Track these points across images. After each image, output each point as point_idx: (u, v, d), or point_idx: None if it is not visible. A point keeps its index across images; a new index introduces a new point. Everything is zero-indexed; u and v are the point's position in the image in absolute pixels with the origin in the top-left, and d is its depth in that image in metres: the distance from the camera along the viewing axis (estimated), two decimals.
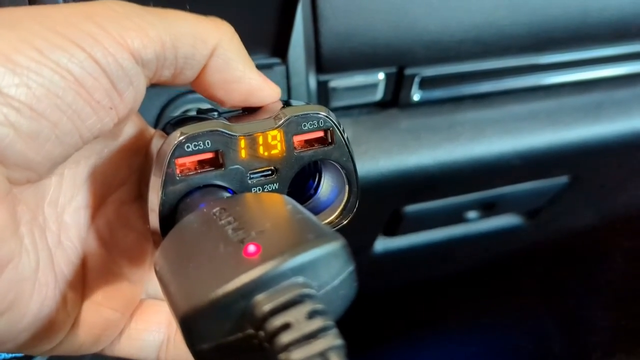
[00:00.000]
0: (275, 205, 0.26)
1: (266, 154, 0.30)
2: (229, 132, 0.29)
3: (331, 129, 0.32)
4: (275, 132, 0.30)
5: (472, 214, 0.72)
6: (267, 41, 0.42)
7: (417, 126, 0.59)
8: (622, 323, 1.02)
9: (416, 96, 0.58)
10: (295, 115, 0.30)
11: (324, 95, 0.54)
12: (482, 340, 1.10)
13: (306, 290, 0.20)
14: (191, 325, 0.20)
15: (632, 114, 0.64)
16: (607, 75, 0.63)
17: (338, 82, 0.54)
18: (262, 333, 0.20)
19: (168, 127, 0.33)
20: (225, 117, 0.32)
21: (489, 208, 0.71)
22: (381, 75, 0.56)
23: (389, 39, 0.53)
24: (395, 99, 0.58)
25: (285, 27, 0.40)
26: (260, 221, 0.23)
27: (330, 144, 0.32)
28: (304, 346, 0.19)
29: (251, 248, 0.21)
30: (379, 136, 0.58)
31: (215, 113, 0.33)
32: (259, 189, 0.30)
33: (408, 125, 0.59)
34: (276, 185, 0.31)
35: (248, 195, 0.28)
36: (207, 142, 0.29)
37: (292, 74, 0.46)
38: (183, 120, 0.34)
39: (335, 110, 0.56)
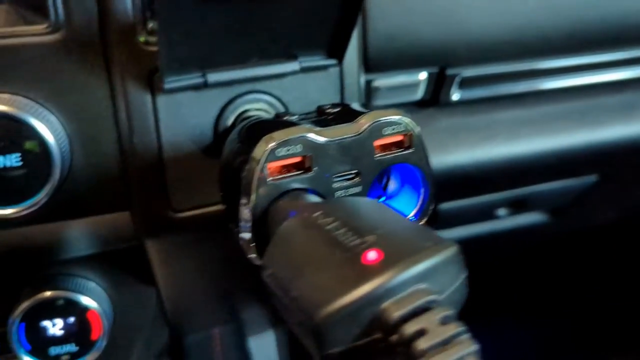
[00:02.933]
0: (377, 211, 0.26)
1: (350, 158, 0.31)
2: (318, 138, 0.30)
3: (410, 133, 0.32)
4: (359, 137, 0.31)
5: (502, 211, 0.72)
6: (326, 43, 0.42)
7: (456, 125, 0.60)
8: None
9: (455, 96, 0.59)
10: (378, 121, 0.31)
11: (367, 94, 0.55)
12: (504, 336, 1.12)
13: (432, 297, 0.21)
14: (323, 330, 0.21)
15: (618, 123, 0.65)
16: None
17: (381, 81, 0.55)
18: (394, 338, 0.20)
19: (245, 131, 0.34)
20: (308, 122, 0.32)
21: (519, 206, 0.72)
22: (423, 75, 0.56)
23: (433, 40, 0.53)
24: (434, 98, 0.59)
25: (347, 31, 0.41)
26: (370, 228, 0.24)
27: (409, 147, 0.32)
28: (442, 352, 0.19)
29: (371, 255, 0.22)
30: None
31: (295, 117, 0.34)
32: (343, 192, 0.31)
33: (447, 124, 0.60)
34: (359, 188, 0.31)
35: (345, 200, 0.28)
36: (297, 147, 0.29)
37: (346, 75, 0.46)
38: (261, 124, 0.34)
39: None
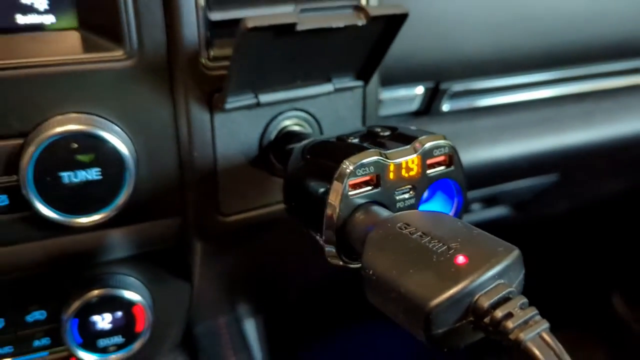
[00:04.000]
0: (448, 221, 0.33)
1: (407, 175, 0.38)
2: (385, 160, 0.36)
3: (451, 154, 0.39)
4: (415, 158, 0.37)
5: (475, 206, 0.82)
6: (357, 68, 0.49)
7: (445, 132, 0.68)
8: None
9: (445, 107, 0.67)
10: (430, 145, 0.38)
11: None
12: None
13: (510, 289, 0.28)
14: (432, 316, 0.27)
15: (617, 121, 0.75)
16: (599, 88, 0.75)
17: (385, 94, 0.62)
18: (487, 320, 0.27)
19: (310, 150, 0.40)
20: (367, 144, 0.39)
21: (490, 201, 0.81)
22: (420, 89, 0.64)
23: (432, 59, 0.61)
24: (427, 109, 0.66)
25: (378, 59, 0.47)
26: (450, 236, 0.31)
27: (450, 165, 0.39)
28: (527, 328, 0.26)
29: (460, 259, 0.29)
30: None
31: (356, 139, 0.40)
32: (401, 204, 0.38)
33: (437, 131, 0.67)
34: (413, 200, 0.38)
35: (418, 212, 0.35)
36: (370, 168, 0.36)
37: (368, 93, 0.53)
38: (327, 145, 0.40)
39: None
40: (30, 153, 0.40)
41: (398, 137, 0.40)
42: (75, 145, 0.41)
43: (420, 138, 0.38)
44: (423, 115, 0.67)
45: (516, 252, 0.30)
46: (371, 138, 0.40)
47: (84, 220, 0.42)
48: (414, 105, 0.65)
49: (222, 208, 0.48)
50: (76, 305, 0.50)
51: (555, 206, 0.93)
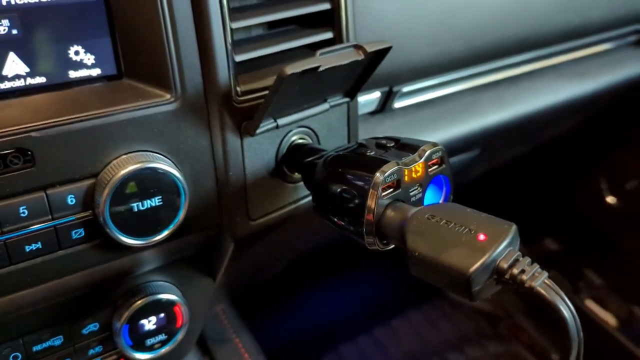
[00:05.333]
0: (460, 210, 0.46)
1: (416, 176, 0.50)
2: (403, 167, 0.48)
3: (443, 155, 0.52)
4: (421, 163, 0.50)
5: None
6: (346, 89, 0.60)
7: (396, 125, 0.81)
8: None
9: (396, 105, 0.80)
10: (430, 151, 0.50)
11: None
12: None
13: (518, 253, 0.42)
14: (472, 278, 0.40)
15: (522, 101, 0.93)
16: (507, 76, 0.91)
17: None
18: (507, 276, 0.40)
19: (332, 162, 0.51)
20: (385, 154, 0.50)
21: None
22: (377, 94, 0.76)
23: (387, 69, 0.73)
24: (382, 108, 0.79)
25: (363, 81, 0.58)
26: (468, 221, 0.43)
27: (442, 164, 0.52)
28: (535, 278, 0.40)
29: (481, 236, 0.42)
30: (374, 133, 0.78)
31: (372, 152, 0.51)
32: (414, 198, 0.50)
33: (390, 124, 0.81)
34: (421, 195, 0.51)
35: (437, 205, 0.47)
36: (394, 175, 0.47)
37: (351, 106, 0.64)
38: (348, 157, 0.51)
39: None
40: (107, 191, 0.47)
41: (403, 146, 0.52)
42: (141, 179, 0.48)
43: (422, 147, 0.50)
44: (378, 113, 0.80)
45: (515, 227, 0.43)
46: (383, 149, 0.52)
47: (150, 240, 0.50)
48: (373, 107, 0.78)
49: (250, 214, 0.58)
50: (126, 314, 0.57)
51: (474, 172, 1.11)
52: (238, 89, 0.53)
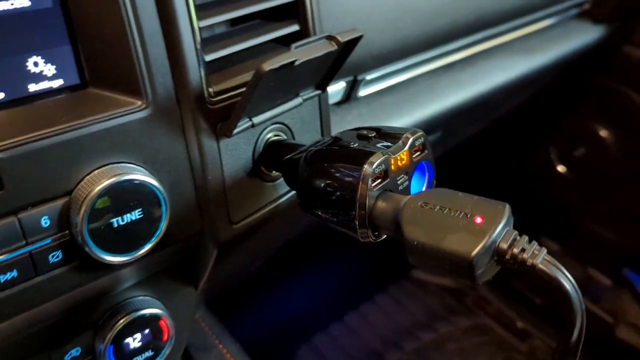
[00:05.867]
0: (451, 194, 0.46)
1: (401, 164, 0.49)
2: (390, 157, 0.48)
3: (425, 141, 0.52)
4: (406, 151, 0.49)
5: None
6: (318, 81, 0.58)
7: (362, 113, 0.81)
8: None
9: (361, 93, 0.79)
10: (413, 138, 0.50)
11: None
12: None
13: (515, 233, 0.42)
14: (474, 262, 0.40)
15: (478, 81, 0.94)
16: (462, 57, 0.93)
17: None
18: (508, 256, 0.41)
19: (311, 159, 0.50)
20: (368, 145, 0.49)
21: None
22: (342, 84, 0.75)
23: (351, 59, 0.72)
24: (348, 97, 0.78)
25: (334, 73, 0.57)
26: (461, 205, 0.43)
27: (424, 150, 0.52)
28: (535, 255, 0.40)
29: (478, 220, 0.42)
30: (342, 124, 0.77)
31: (355, 144, 0.50)
32: (402, 187, 0.50)
33: (357, 113, 0.80)
34: (407, 182, 0.50)
35: (427, 192, 0.47)
36: (382, 166, 0.47)
37: (322, 98, 0.63)
38: (330, 152, 0.50)
39: None
40: (84, 209, 0.44)
41: (385, 136, 0.51)
42: (118, 193, 0.46)
43: (405, 134, 0.50)
44: (344, 103, 0.79)
45: (508, 206, 0.43)
46: (365, 140, 0.51)
47: (133, 256, 0.48)
48: (338, 97, 0.77)
49: (232, 217, 0.56)
50: (110, 334, 0.55)
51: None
52: (211, 89, 0.51)
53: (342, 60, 0.56)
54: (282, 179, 0.60)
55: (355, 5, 0.69)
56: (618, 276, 1.51)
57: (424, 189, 0.54)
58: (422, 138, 0.51)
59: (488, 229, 0.41)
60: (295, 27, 0.58)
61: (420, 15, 0.78)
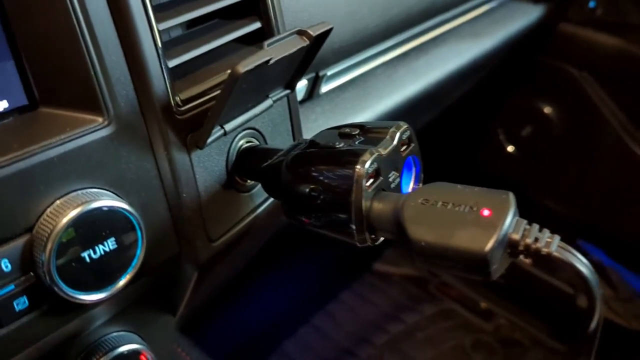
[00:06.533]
0: (451, 188, 0.43)
1: (387, 160, 0.46)
2: (381, 154, 0.45)
3: (411, 134, 0.49)
4: (395, 146, 0.47)
5: None
6: (286, 81, 0.55)
7: (326, 110, 0.78)
8: None
9: (323, 89, 0.76)
10: (400, 132, 0.47)
11: None
12: None
13: (524, 222, 0.40)
14: (489, 257, 0.38)
15: (433, 68, 0.93)
16: (416, 45, 0.91)
17: None
18: (521, 247, 0.39)
19: (296, 161, 0.46)
20: (354, 144, 0.46)
21: None
22: (304, 81, 0.72)
23: None
24: (310, 95, 0.75)
25: (302, 71, 0.54)
26: (464, 198, 0.41)
27: (410, 144, 0.49)
28: (549, 244, 0.38)
29: (486, 212, 0.40)
30: (306, 123, 0.74)
31: (341, 144, 0.47)
32: (394, 184, 0.47)
33: (320, 110, 0.77)
34: (398, 179, 0.48)
35: (425, 188, 0.44)
36: (375, 164, 0.44)
37: (291, 98, 0.59)
38: (312, 155, 0.47)
39: None
40: (51, 246, 0.39)
41: (369, 132, 0.48)
42: (88, 224, 0.40)
43: (391, 129, 0.47)
44: (306, 101, 0.76)
45: (512, 195, 0.41)
46: (349, 138, 0.48)
47: (110, 291, 0.43)
48: (301, 95, 0.73)
49: (210, 235, 0.51)
50: None
51: None
52: (177, 98, 0.46)
53: (311, 56, 0.53)
54: (257, 187, 0.56)
55: (312, 0, 0.66)
56: (574, 248, 1.55)
57: (411, 184, 0.52)
58: (409, 131, 0.49)
59: (498, 221, 0.39)
60: (256, 25, 0.54)
61: (377, 5, 0.75)
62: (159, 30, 0.44)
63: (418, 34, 0.90)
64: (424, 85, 0.92)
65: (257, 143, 0.55)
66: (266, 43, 0.45)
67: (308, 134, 0.70)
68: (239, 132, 0.53)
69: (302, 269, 1.69)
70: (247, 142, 0.54)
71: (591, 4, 1.32)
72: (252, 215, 0.56)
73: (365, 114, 0.82)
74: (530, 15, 1.18)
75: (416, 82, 0.91)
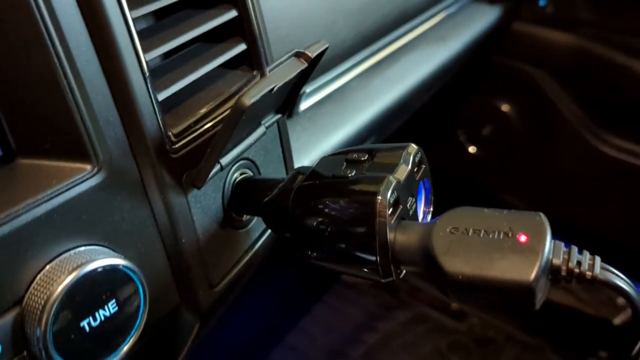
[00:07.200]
0: (476, 212, 0.40)
1: (404, 187, 0.43)
2: (399, 181, 0.42)
3: (422, 155, 0.46)
4: (409, 171, 0.44)
5: None
6: (279, 106, 0.51)
7: (306, 129, 0.74)
8: None
9: (301, 107, 0.73)
10: (413, 154, 0.44)
11: None
12: None
13: (563, 244, 0.38)
14: (534, 287, 0.35)
15: (406, 76, 0.91)
16: (388, 53, 0.89)
17: None
18: (563, 272, 0.36)
19: (305, 194, 0.42)
20: (368, 170, 0.43)
21: None
22: None
23: None
24: (290, 114, 0.71)
25: (295, 95, 0.50)
26: (495, 224, 0.38)
27: (421, 166, 0.46)
28: (593, 267, 0.36)
29: (522, 238, 0.37)
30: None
31: (352, 173, 0.43)
32: (411, 211, 0.44)
33: (301, 129, 0.73)
34: (415, 205, 0.45)
35: (450, 215, 0.41)
36: (395, 193, 0.41)
37: (281, 125, 0.55)
38: (327, 187, 0.43)
39: None
40: (46, 319, 0.33)
41: (378, 156, 0.45)
42: (86, 288, 0.35)
43: (404, 152, 0.44)
44: (288, 119, 0.72)
45: (544, 216, 0.39)
46: (357, 164, 0.44)
47: (115, 358, 0.38)
48: None
49: (211, 281, 0.47)
50: None
51: None
52: (170, 134, 0.42)
53: (306, 77, 0.49)
54: (254, 222, 0.52)
55: (289, 16, 0.62)
56: None
57: (422, 207, 0.49)
58: (420, 153, 0.46)
59: (538, 247, 0.36)
60: (242, 47, 0.50)
61: (351, 16, 0.72)
62: (146, 61, 0.39)
63: (389, 42, 0.88)
64: (398, 94, 0.90)
65: (252, 174, 0.51)
66: (268, 69, 0.41)
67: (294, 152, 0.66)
68: (234, 165, 0.49)
69: (271, 287, 1.65)
70: (242, 173, 0.50)
71: (541, 3, 1.34)
72: (251, 253, 0.51)
73: (345, 129, 0.79)
74: (488, 16, 1.18)
75: (391, 91, 0.88)
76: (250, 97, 0.37)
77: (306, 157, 0.69)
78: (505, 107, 1.49)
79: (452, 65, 1.07)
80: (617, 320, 1.44)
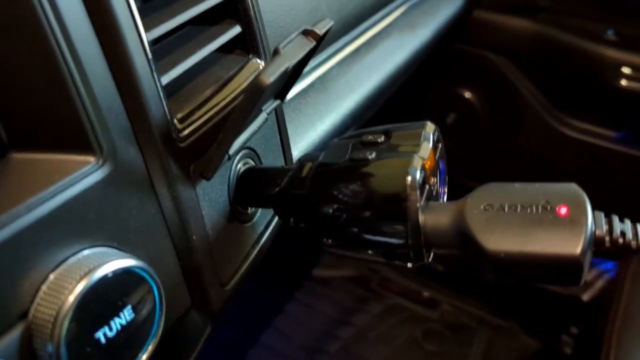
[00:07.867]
0: (506, 187, 0.38)
1: (430, 166, 0.41)
2: (425, 160, 0.39)
3: (439, 134, 0.44)
4: (432, 149, 0.41)
5: None
6: (279, 89, 0.48)
7: (292, 118, 0.70)
8: None
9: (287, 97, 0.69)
10: (432, 132, 0.42)
11: None
12: None
13: (601, 214, 0.36)
14: (581, 260, 0.34)
15: (385, 62, 0.89)
16: (364, 41, 0.87)
17: None
18: (607, 243, 0.35)
19: (326, 180, 0.40)
20: (389, 151, 0.40)
21: None
22: None
23: None
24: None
25: (294, 81, 0.47)
26: (530, 197, 0.37)
27: (438, 144, 0.44)
28: (636, 236, 0.35)
29: (563, 210, 0.36)
30: None
31: (373, 154, 0.41)
32: (435, 191, 0.42)
33: (287, 119, 0.69)
34: (437, 185, 0.42)
35: (480, 192, 0.39)
36: (422, 172, 0.38)
37: (279, 111, 0.52)
38: (335, 171, 0.40)
39: None
40: (58, 333, 0.29)
41: (394, 136, 0.42)
42: (98, 296, 0.31)
43: (424, 130, 0.42)
44: None
45: (576, 185, 0.37)
46: (375, 146, 0.42)
47: None
48: None
49: (222, 279, 0.43)
50: None
51: None
52: (175, 121, 0.38)
53: (308, 59, 0.46)
54: (259, 214, 0.48)
55: (275, 1, 0.59)
56: None
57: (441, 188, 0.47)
58: (437, 131, 0.44)
59: (581, 218, 0.35)
60: (237, 29, 0.47)
61: (334, 1, 0.70)
62: (148, 41, 0.35)
63: (365, 29, 0.86)
64: (376, 82, 0.88)
65: (254, 164, 0.48)
66: (281, 46, 0.38)
67: None
68: (235, 155, 0.45)
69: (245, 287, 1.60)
70: (245, 164, 0.47)
71: None
72: (257, 247, 0.48)
73: (331, 118, 0.76)
74: (453, 3, 1.18)
75: (369, 79, 0.86)
76: (269, 75, 0.34)
77: (295, 147, 0.66)
78: (468, 95, 1.50)
79: (423, 53, 1.06)
80: (586, 297, 1.47)
